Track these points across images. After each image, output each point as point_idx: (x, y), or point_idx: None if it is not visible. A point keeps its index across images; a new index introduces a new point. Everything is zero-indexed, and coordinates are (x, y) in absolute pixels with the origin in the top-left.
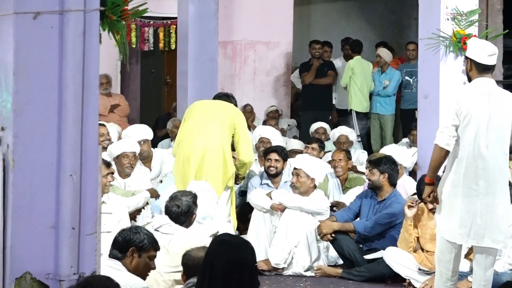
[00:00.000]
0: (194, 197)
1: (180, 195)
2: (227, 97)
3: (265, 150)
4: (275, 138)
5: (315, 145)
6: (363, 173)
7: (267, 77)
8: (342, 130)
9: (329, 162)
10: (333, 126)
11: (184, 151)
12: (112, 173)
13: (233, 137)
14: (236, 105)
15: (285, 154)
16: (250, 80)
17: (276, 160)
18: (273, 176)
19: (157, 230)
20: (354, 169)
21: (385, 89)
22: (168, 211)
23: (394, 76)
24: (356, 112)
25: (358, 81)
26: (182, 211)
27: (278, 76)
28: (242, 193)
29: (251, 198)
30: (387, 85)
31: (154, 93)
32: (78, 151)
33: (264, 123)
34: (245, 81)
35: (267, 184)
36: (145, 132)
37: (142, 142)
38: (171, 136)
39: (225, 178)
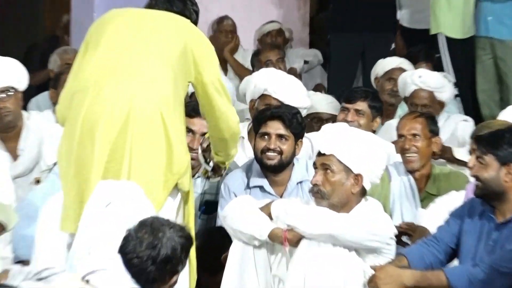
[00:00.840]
0: (187, 240)
1: (161, 225)
2: (184, 13)
3: (258, 114)
4: (294, 95)
5: (362, 105)
6: (465, 164)
7: None
8: (425, 78)
9: (393, 142)
10: (416, 64)
11: (83, 115)
12: None
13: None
14: (197, 20)
15: (298, 124)
16: None
17: (280, 136)
18: (274, 170)
19: (86, 280)
20: (445, 155)
21: None
22: (125, 248)
23: None
24: (447, 38)
25: None
26: (157, 257)
27: None
28: (208, 207)
29: (227, 216)
30: None
31: None
32: None
33: (257, 56)
34: None
35: (261, 188)
36: (11, 71)
37: (2, 95)
38: (57, 85)
39: (169, 174)
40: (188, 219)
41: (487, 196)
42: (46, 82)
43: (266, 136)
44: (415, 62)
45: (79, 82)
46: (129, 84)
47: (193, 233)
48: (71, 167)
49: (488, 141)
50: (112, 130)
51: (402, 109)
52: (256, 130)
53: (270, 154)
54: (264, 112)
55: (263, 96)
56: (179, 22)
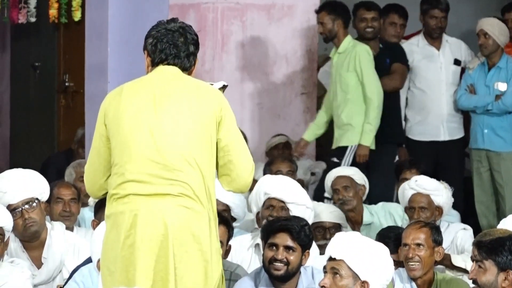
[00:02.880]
0: None
1: None
2: (189, 49)
3: (267, 225)
4: (296, 198)
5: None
6: (463, 270)
7: (269, 76)
8: (420, 182)
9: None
10: (401, 174)
11: (118, 228)
12: None
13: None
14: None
15: (306, 237)
16: (234, 82)
17: (288, 248)
18: (281, 280)
19: None
20: (444, 261)
21: (499, 99)
22: None
23: None
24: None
25: None
26: None
27: (290, 75)
28: None
29: None
30: (503, 92)
31: (39, 109)
32: None
33: (268, 167)
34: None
35: None
36: (34, 183)
37: (26, 206)
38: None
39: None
40: None
41: None
42: None
43: (274, 247)
44: (401, 172)
45: (118, 202)
46: (163, 199)
47: None
48: (113, 273)
49: (489, 247)
50: (151, 249)
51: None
52: (265, 240)
53: (277, 264)
54: (274, 223)
55: (266, 201)
56: (206, 88)
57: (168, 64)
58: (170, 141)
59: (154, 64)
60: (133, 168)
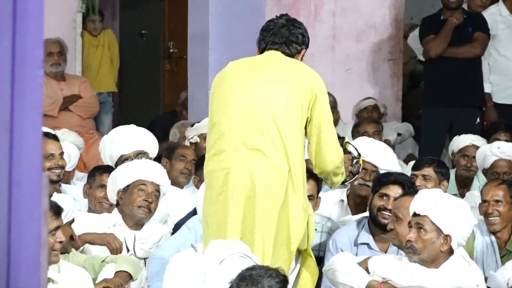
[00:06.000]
0: (284, 283)
1: (258, 276)
2: (290, 38)
3: (379, 177)
4: (386, 161)
5: (428, 171)
6: None
7: (358, 44)
8: (503, 149)
9: (478, 206)
10: (487, 135)
11: (215, 185)
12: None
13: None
14: (307, 44)
15: (414, 190)
16: (326, 49)
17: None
18: (385, 228)
19: None
20: None
21: None
22: None
23: None
24: None
25: None
26: None
27: (378, 43)
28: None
29: (330, 269)
30: None
31: (145, 73)
32: (5, 185)
33: (356, 129)
34: (318, 52)
35: (368, 245)
36: (145, 138)
37: (138, 157)
38: (171, 156)
39: (286, 241)
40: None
41: None
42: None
43: (385, 197)
44: (495, 132)
45: (216, 159)
46: (252, 157)
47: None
48: (209, 226)
49: None
50: (242, 193)
51: (479, 179)
52: (376, 190)
53: (386, 213)
54: (388, 176)
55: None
56: (301, 68)
57: (271, 50)
58: (263, 104)
59: (260, 53)
60: (228, 128)
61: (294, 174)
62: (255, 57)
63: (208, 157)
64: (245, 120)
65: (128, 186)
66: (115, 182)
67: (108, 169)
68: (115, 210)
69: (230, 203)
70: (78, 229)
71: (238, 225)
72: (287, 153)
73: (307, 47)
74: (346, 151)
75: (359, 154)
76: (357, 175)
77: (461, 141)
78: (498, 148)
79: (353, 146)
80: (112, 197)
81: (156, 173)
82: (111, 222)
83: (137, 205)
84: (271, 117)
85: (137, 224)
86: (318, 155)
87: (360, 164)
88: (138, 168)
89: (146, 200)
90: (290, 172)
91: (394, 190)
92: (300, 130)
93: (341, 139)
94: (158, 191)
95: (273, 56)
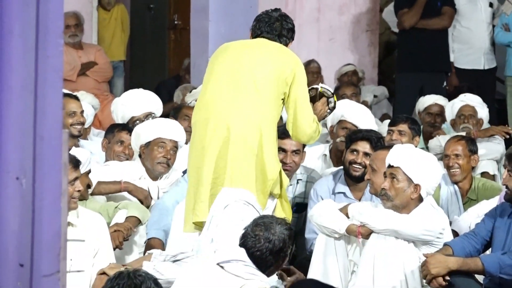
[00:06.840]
0: (290, 230)
1: (270, 223)
2: (282, 32)
3: (350, 134)
4: (365, 121)
5: (403, 127)
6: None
7: (340, 16)
8: (468, 96)
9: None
10: (452, 97)
11: (197, 134)
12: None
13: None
14: (292, 36)
15: (381, 145)
16: (312, 21)
17: (366, 154)
18: (357, 180)
19: (221, 266)
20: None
21: None
22: (246, 244)
23: None
24: None
25: None
26: (273, 248)
27: (357, 15)
28: (299, 208)
29: (314, 215)
30: None
31: (153, 43)
32: (30, 140)
33: (336, 91)
34: (304, 23)
35: (344, 194)
36: (153, 100)
37: (147, 118)
38: (177, 116)
39: (266, 181)
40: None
41: None
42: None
43: (355, 152)
44: (460, 93)
45: (199, 111)
46: (228, 108)
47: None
48: (194, 174)
49: None
50: (214, 149)
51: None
52: (348, 146)
53: (356, 166)
54: (357, 133)
55: (340, 121)
56: (283, 51)
57: (264, 38)
58: (247, 69)
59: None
60: (212, 86)
61: (267, 129)
62: (248, 40)
63: (195, 110)
64: (228, 80)
65: (149, 142)
66: (138, 138)
67: (126, 127)
68: (139, 162)
69: (207, 147)
70: (111, 175)
71: (211, 167)
72: (262, 111)
73: (293, 40)
74: (321, 95)
75: (333, 93)
76: (333, 110)
77: (426, 100)
78: (465, 95)
79: (326, 88)
80: (136, 150)
81: (174, 131)
82: (136, 175)
83: (157, 162)
84: (252, 80)
85: (157, 176)
86: (295, 127)
87: (335, 101)
88: (158, 126)
89: (165, 157)
90: (263, 127)
91: (363, 146)
92: (275, 97)
93: (314, 89)
94: (176, 146)
95: (264, 41)
